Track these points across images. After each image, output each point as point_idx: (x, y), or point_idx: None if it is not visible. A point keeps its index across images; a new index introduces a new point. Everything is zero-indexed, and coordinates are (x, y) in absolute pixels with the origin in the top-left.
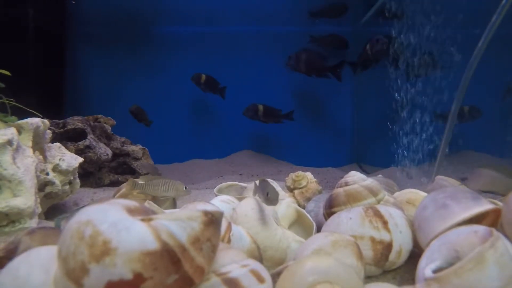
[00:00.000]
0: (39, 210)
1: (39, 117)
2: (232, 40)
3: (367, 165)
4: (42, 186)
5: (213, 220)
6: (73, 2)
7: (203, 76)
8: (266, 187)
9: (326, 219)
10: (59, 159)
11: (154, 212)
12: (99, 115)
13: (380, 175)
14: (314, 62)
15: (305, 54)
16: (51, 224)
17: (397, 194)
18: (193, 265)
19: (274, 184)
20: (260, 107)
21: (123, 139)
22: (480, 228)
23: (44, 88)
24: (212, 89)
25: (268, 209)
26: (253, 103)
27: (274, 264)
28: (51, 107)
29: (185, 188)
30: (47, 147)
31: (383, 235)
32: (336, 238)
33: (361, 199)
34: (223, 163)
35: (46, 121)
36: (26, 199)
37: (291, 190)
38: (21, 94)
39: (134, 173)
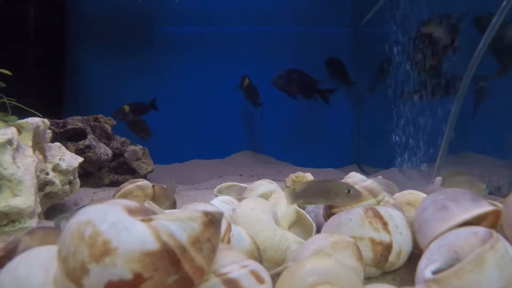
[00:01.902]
0: (39, 209)
1: (39, 116)
2: (233, 40)
3: (367, 166)
4: (42, 185)
5: (213, 220)
6: None
7: (126, 108)
8: (344, 185)
9: (326, 220)
10: (59, 159)
11: (154, 213)
12: (99, 115)
13: (380, 176)
14: (304, 83)
15: (295, 75)
16: (51, 223)
17: (397, 195)
18: (193, 265)
19: (274, 184)
20: (245, 82)
21: (123, 139)
22: (480, 230)
23: (44, 88)
24: (142, 112)
25: (269, 209)
26: (245, 75)
27: (274, 265)
28: (51, 107)
29: None
30: (47, 147)
31: (383, 236)
32: (336, 239)
33: (361, 200)
34: (223, 163)
35: (46, 120)
36: (26, 199)
37: None
38: (21, 94)
39: (134, 173)
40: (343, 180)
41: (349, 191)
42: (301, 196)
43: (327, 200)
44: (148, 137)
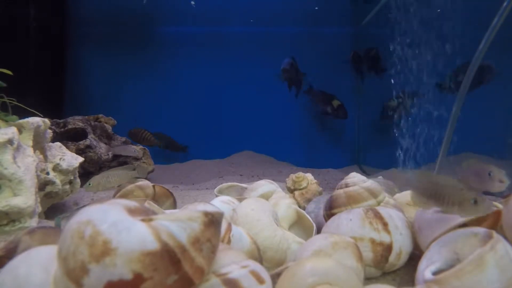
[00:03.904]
0: (39, 209)
1: (40, 116)
2: (233, 40)
3: (368, 166)
4: (43, 185)
5: (213, 220)
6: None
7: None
8: (467, 193)
9: (326, 221)
10: (60, 159)
11: (154, 212)
12: (100, 115)
13: (380, 177)
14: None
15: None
16: (51, 223)
17: (397, 196)
18: (193, 265)
19: (275, 185)
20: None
21: (123, 139)
22: (480, 231)
23: (45, 88)
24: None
25: (269, 210)
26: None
27: (274, 265)
28: (52, 107)
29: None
30: (47, 147)
31: (383, 237)
32: (336, 239)
33: (362, 200)
34: (223, 163)
35: (46, 120)
36: (26, 198)
37: (291, 191)
38: (22, 94)
39: None
40: (343, 181)
41: (475, 201)
42: (418, 190)
43: (445, 208)
44: (153, 144)
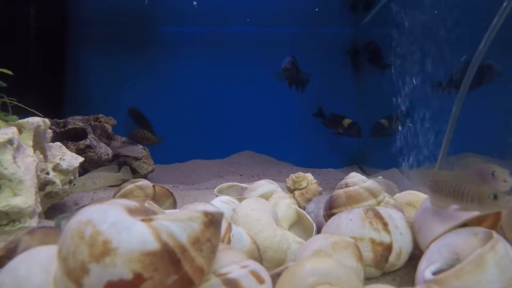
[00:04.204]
0: (39, 209)
1: (40, 116)
2: (233, 40)
3: (368, 166)
4: (43, 185)
5: (213, 220)
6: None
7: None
8: (486, 189)
9: (326, 220)
10: (60, 159)
11: (154, 212)
12: (100, 115)
13: (380, 177)
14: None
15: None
16: (51, 223)
17: (397, 195)
18: (193, 265)
19: (275, 184)
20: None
21: (123, 139)
22: (480, 231)
23: (45, 88)
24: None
25: (269, 210)
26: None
27: (274, 265)
28: (52, 107)
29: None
30: (47, 147)
31: (383, 237)
32: (336, 239)
33: (362, 200)
34: (223, 163)
35: (46, 120)
36: (26, 198)
37: (291, 191)
38: (22, 94)
39: (134, 173)
40: (343, 181)
41: (495, 196)
42: (431, 188)
43: (464, 205)
44: (154, 142)
